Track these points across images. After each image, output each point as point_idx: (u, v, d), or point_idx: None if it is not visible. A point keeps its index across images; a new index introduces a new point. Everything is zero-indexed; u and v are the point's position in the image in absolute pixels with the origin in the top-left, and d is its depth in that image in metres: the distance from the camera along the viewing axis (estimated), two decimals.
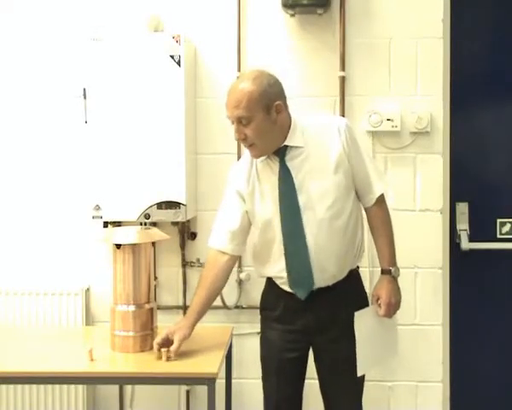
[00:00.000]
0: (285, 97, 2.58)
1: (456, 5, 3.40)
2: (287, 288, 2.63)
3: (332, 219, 2.55)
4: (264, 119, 2.51)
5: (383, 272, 2.67)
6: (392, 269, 2.65)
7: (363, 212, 2.71)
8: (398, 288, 2.67)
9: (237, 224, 2.67)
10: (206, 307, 2.71)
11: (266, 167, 2.62)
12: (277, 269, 2.63)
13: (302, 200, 2.55)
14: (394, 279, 2.66)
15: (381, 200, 2.68)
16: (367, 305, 2.72)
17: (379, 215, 2.68)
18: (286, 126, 2.58)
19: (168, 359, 2.63)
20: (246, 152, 2.68)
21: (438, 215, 3.37)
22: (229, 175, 2.75)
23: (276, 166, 2.59)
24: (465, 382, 3.51)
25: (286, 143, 2.58)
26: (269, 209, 2.60)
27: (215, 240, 2.71)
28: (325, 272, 2.57)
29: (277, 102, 2.52)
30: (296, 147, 2.58)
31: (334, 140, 2.57)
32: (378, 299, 2.64)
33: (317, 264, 2.55)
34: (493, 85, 3.49)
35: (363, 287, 2.76)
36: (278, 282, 2.66)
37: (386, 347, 2.72)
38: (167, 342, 2.66)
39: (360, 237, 2.68)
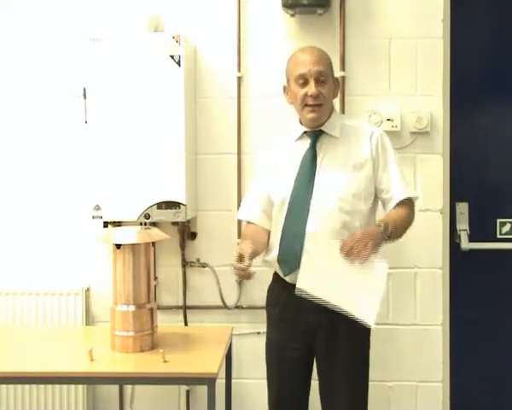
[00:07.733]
0: None
1: (456, 5, 3.39)
2: (285, 276, 2.62)
3: (341, 213, 2.55)
4: (331, 85, 2.65)
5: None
6: (383, 224, 2.49)
7: None
8: (379, 243, 2.47)
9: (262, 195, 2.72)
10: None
11: (296, 148, 2.66)
12: (276, 250, 2.62)
13: (317, 185, 2.58)
14: (379, 232, 2.47)
15: (407, 204, 2.62)
16: None
17: (403, 208, 2.60)
18: (331, 108, 2.68)
19: None
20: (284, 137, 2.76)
21: (438, 215, 3.36)
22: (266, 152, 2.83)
23: (305, 147, 2.64)
24: (465, 382, 3.51)
25: (323, 128, 2.63)
26: (286, 188, 2.62)
27: (242, 211, 2.81)
28: None
29: (336, 77, 2.70)
30: (331, 135, 2.63)
31: (365, 143, 2.63)
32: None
33: None
34: (493, 85, 3.48)
35: None
36: (276, 268, 2.66)
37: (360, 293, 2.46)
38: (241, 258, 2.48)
39: None
